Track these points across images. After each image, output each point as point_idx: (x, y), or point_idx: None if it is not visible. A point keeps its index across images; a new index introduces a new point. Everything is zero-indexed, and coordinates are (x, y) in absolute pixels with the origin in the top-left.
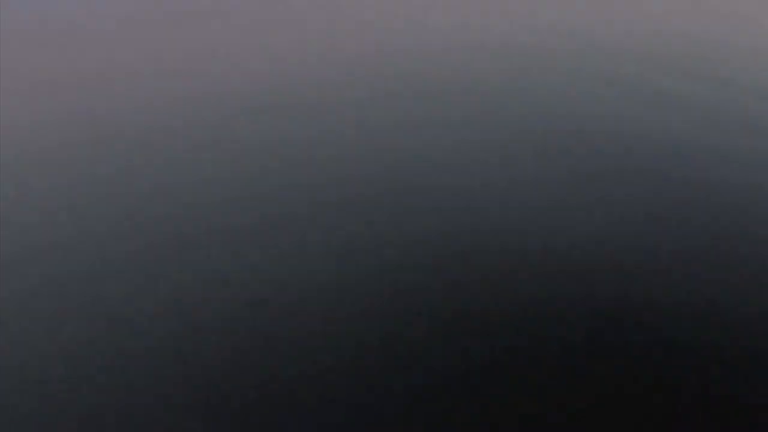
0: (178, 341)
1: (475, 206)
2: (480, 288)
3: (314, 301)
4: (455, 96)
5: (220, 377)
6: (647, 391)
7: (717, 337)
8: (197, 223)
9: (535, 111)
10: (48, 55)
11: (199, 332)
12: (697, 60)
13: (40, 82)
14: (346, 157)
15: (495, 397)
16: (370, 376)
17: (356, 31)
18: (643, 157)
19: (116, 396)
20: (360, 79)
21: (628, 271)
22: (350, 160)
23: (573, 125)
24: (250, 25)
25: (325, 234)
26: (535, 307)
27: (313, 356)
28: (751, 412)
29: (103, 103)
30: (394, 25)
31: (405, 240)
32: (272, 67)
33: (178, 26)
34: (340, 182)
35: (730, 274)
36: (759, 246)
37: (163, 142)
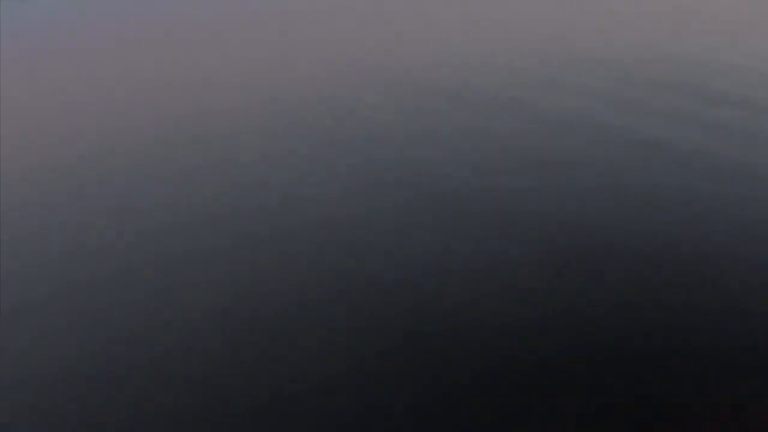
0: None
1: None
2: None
3: (322, 314)
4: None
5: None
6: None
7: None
8: (196, 239)
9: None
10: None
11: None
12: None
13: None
14: (359, 169)
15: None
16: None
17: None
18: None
19: (118, 409)
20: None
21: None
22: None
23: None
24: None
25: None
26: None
27: (320, 370)
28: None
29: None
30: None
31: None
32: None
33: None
34: (344, 196)
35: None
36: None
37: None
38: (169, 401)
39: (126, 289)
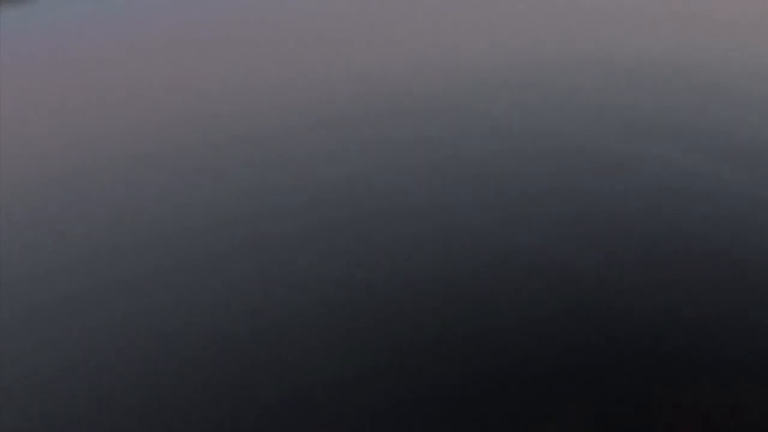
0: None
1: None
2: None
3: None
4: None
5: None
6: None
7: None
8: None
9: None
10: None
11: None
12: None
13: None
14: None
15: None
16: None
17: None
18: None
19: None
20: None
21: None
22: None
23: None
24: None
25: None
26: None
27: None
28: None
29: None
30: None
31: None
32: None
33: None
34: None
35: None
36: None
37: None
38: (170, 408)
39: (128, 296)
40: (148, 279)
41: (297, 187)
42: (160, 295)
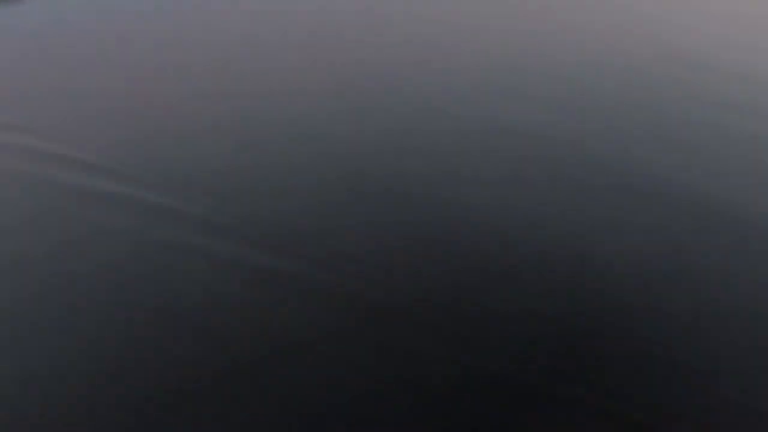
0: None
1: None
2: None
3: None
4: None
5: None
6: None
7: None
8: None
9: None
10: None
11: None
12: None
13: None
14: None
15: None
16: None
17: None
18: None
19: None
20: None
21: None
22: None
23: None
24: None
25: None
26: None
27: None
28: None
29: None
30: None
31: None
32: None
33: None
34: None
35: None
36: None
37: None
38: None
39: (129, 289)
40: None
41: None
42: None
